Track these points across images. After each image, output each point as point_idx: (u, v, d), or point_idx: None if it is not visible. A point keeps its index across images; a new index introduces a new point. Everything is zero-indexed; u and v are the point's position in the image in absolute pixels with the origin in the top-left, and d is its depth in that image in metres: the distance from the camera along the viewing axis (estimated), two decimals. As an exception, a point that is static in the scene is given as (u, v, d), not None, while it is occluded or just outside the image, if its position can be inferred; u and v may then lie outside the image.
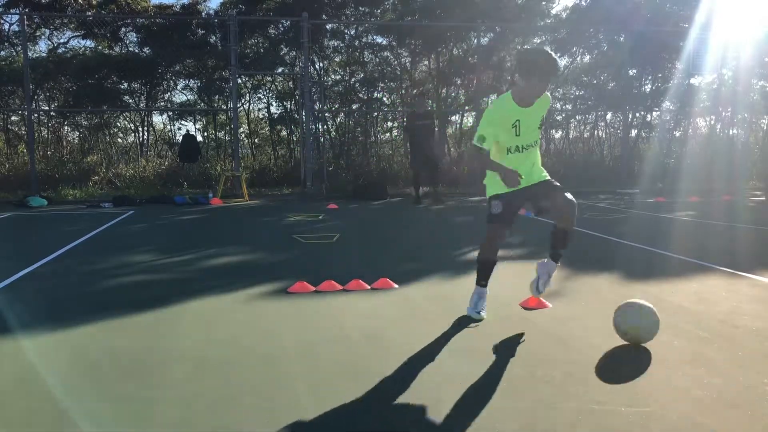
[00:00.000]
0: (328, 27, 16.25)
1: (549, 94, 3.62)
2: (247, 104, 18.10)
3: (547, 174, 3.66)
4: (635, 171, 15.42)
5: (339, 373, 2.79)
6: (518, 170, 3.42)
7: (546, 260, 3.78)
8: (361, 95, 17.42)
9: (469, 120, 18.40)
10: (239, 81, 15.65)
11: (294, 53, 16.50)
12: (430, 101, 11.87)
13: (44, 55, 16.56)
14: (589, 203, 11.27)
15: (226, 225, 8.68)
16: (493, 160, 3.49)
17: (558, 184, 3.60)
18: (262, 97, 18.13)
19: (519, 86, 3.49)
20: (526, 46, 3.39)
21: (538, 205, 3.63)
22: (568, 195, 3.51)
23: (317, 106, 15.01)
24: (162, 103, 17.72)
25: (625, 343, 3.13)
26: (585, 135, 18.96)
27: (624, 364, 2.89)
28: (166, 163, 15.98)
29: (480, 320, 3.59)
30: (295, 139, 17.08)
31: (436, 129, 13.24)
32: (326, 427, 2.27)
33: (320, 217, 9.18)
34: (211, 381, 2.72)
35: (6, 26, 16.13)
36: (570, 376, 2.74)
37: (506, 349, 3.11)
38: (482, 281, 3.73)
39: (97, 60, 15.78)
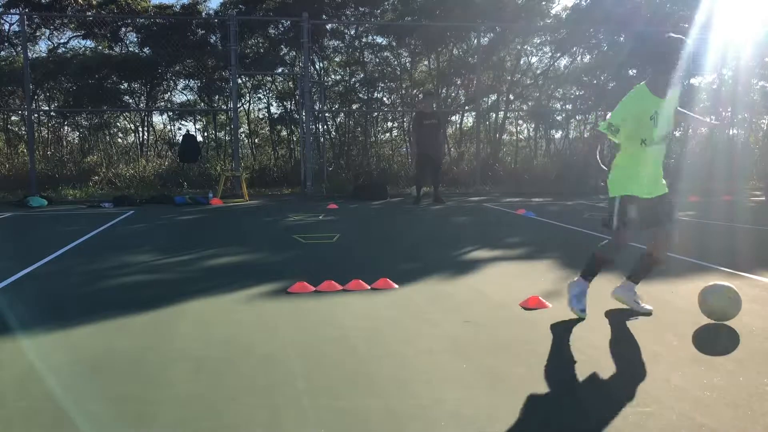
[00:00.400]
0: (328, 27, 16.25)
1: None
2: (247, 104, 18.11)
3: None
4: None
5: (339, 373, 2.79)
6: (651, 167, 3.49)
7: (623, 284, 3.81)
8: (361, 95, 17.43)
9: (469, 120, 18.43)
10: (239, 81, 15.65)
11: (294, 53, 16.51)
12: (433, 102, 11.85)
13: (44, 55, 16.58)
14: (589, 203, 11.28)
15: (226, 225, 8.68)
16: (598, 159, 3.61)
17: (671, 213, 3.64)
18: (262, 97, 18.15)
19: (653, 77, 3.48)
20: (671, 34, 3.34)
21: (644, 227, 3.60)
22: (675, 232, 3.60)
23: (317, 106, 15.01)
24: (162, 103, 17.73)
25: (625, 343, 3.13)
26: (585, 135, 18.96)
27: (624, 364, 2.89)
28: (166, 163, 15.99)
29: (583, 318, 3.54)
30: (295, 139, 17.09)
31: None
32: (326, 428, 2.27)
33: (320, 217, 9.18)
34: (211, 381, 2.71)
35: (6, 26, 16.14)
36: (570, 376, 2.73)
37: (506, 349, 3.11)
38: (589, 276, 3.68)
39: (97, 60, 15.79)
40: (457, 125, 18.37)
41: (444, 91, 17.22)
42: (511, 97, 17.70)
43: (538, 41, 17.35)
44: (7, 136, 16.43)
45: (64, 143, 16.65)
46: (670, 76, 3.41)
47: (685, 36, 3.36)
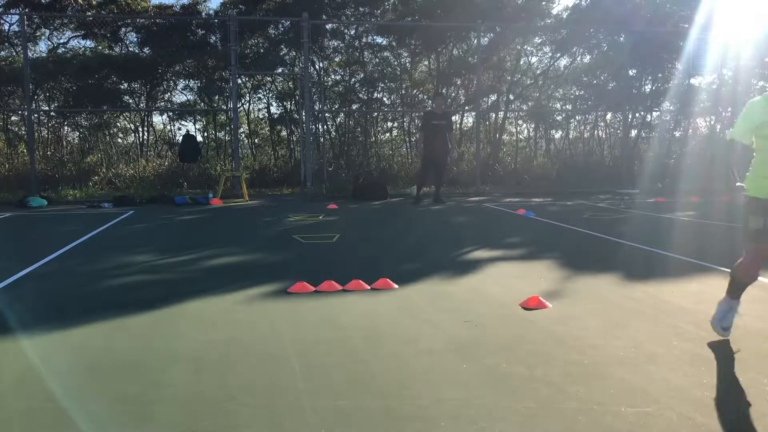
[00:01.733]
0: (328, 27, 16.25)
1: None
2: (247, 104, 18.11)
3: None
4: (635, 171, 15.42)
5: (339, 373, 2.79)
6: None
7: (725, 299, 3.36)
8: (361, 95, 17.43)
9: (469, 120, 18.44)
10: (239, 81, 15.66)
11: (294, 53, 16.50)
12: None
13: (44, 55, 16.57)
14: (589, 203, 11.28)
15: (226, 225, 8.68)
16: (733, 168, 3.27)
17: None
18: (262, 97, 18.15)
19: None
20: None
21: None
22: None
23: (317, 106, 15.01)
24: (162, 103, 17.73)
25: (625, 343, 3.13)
26: (585, 135, 18.97)
27: (624, 364, 2.89)
28: (166, 163, 15.98)
29: (724, 338, 3.22)
30: (295, 139, 17.09)
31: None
32: (326, 428, 2.27)
33: (320, 217, 9.18)
34: (211, 381, 2.71)
35: (6, 26, 16.13)
36: (570, 376, 2.73)
37: (506, 349, 3.11)
38: (734, 293, 3.29)
39: (97, 60, 15.79)
40: (457, 125, 18.37)
41: (444, 91, 17.22)
42: (511, 97, 17.71)
43: (538, 41, 17.36)
44: (7, 136, 16.43)
45: (64, 143, 16.65)
46: None
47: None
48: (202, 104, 17.69)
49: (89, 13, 16.40)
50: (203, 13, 17.27)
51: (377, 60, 17.12)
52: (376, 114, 17.92)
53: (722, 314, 3.26)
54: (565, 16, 17.25)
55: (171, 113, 18.00)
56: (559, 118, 18.36)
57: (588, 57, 17.53)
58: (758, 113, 3.15)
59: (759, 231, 3.08)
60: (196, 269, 5.41)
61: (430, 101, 16.34)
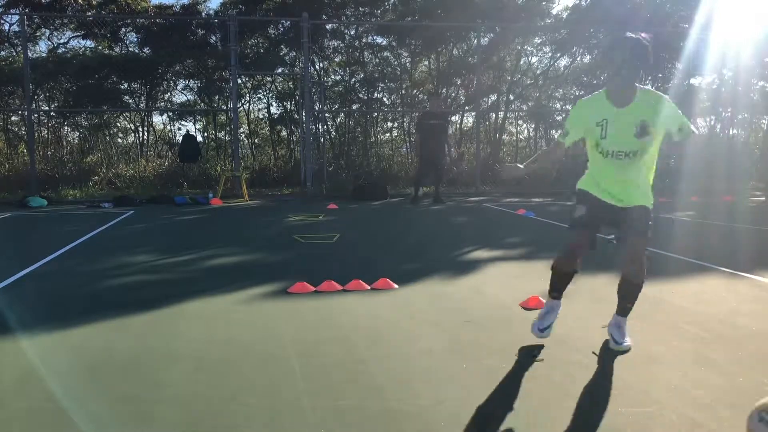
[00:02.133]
0: (328, 27, 16.26)
1: (665, 97, 3.02)
2: (247, 104, 18.12)
3: (650, 202, 3.05)
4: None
5: (339, 373, 2.79)
6: (606, 180, 3.02)
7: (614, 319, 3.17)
8: (361, 95, 17.44)
9: (469, 120, 18.44)
10: (239, 81, 15.66)
11: (294, 53, 16.51)
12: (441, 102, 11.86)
13: (44, 55, 16.58)
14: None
15: (226, 225, 8.68)
16: (537, 154, 3.28)
17: (643, 229, 3.00)
18: (262, 97, 18.17)
19: (613, 81, 3.03)
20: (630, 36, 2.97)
21: (623, 237, 3.11)
22: (639, 250, 3.01)
23: (317, 107, 15.02)
24: (162, 104, 17.73)
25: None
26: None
27: (624, 364, 2.89)
28: (166, 163, 15.99)
29: (539, 345, 3.13)
30: (295, 139, 17.09)
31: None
32: (326, 428, 2.27)
33: (320, 217, 9.18)
34: (211, 381, 2.71)
35: (6, 26, 16.14)
36: (570, 376, 2.73)
37: (506, 349, 3.11)
38: (553, 292, 3.21)
39: (97, 60, 15.80)
40: (457, 125, 18.37)
41: (444, 91, 17.22)
42: (511, 97, 17.71)
43: (538, 41, 17.37)
44: (7, 136, 16.43)
45: (64, 143, 16.66)
46: (612, 79, 3.01)
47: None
48: (202, 104, 17.69)
49: (89, 13, 16.41)
50: (203, 13, 17.29)
51: (377, 60, 17.13)
52: (376, 114, 17.92)
53: (541, 315, 3.20)
54: (565, 16, 17.27)
55: (171, 113, 18.01)
56: (559, 118, 18.36)
57: (588, 57, 17.54)
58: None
59: (577, 219, 3.12)
60: (196, 269, 5.41)
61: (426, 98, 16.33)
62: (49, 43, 17.02)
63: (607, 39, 2.98)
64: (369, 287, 4.43)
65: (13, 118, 17.04)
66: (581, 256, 3.21)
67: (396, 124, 18.68)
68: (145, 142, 17.66)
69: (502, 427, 2.25)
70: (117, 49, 16.88)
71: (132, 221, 9.06)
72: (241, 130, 17.25)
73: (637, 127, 2.93)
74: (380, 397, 2.52)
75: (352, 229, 7.97)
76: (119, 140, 18.46)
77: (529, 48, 17.52)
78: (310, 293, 4.30)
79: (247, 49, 16.14)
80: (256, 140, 18.72)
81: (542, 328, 3.15)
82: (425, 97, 17.28)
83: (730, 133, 17.04)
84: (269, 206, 11.28)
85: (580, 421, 2.30)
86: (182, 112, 17.88)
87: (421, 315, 3.79)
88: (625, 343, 3.07)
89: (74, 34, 16.92)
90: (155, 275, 5.16)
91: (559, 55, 17.44)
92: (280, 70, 16.99)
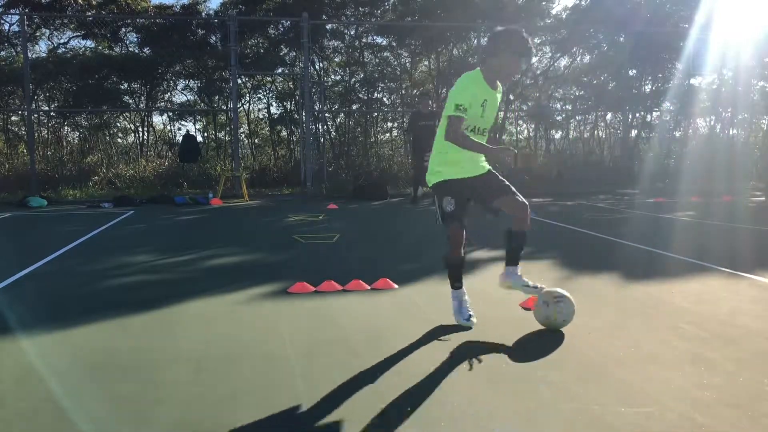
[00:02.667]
0: (328, 27, 16.26)
1: (501, 86, 3.43)
2: (247, 104, 18.13)
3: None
4: (635, 171, 15.43)
5: (339, 373, 2.79)
6: (471, 155, 3.32)
7: (506, 269, 3.59)
8: (361, 95, 17.44)
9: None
10: (239, 81, 15.66)
11: (294, 53, 16.52)
12: (431, 102, 11.83)
13: (44, 55, 16.60)
14: (589, 203, 11.27)
15: (226, 225, 8.68)
16: (476, 141, 3.26)
17: (506, 183, 3.42)
18: (262, 97, 18.18)
19: (489, 66, 3.29)
20: (499, 28, 3.21)
21: (489, 205, 3.45)
22: (519, 197, 3.37)
23: (317, 107, 15.02)
24: (162, 104, 17.74)
25: (625, 343, 3.13)
26: (585, 135, 18.98)
27: (624, 364, 2.89)
28: (166, 163, 16.00)
29: (469, 327, 3.41)
30: (295, 139, 17.10)
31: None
32: (326, 427, 2.27)
33: (320, 217, 9.18)
34: (211, 381, 2.71)
35: (6, 26, 16.15)
36: (570, 376, 2.73)
37: (506, 349, 3.11)
38: (456, 283, 3.59)
39: (97, 60, 15.81)
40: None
41: (444, 91, 17.22)
42: (511, 97, 17.71)
43: (538, 41, 17.36)
44: (7, 136, 16.44)
45: (64, 143, 16.66)
46: (508, 66, 3.25)
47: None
48: (202, 104, 17.70)
49: (89, 13, 16.41)
50: (203, 13, 17.30)
51: (377, 60, 17.13)
52: (376, 114, 17.92)
53: (457, 308, 3.53)
54: (565, 16, 17.27)
55: (171, 113, 18.01)
56: (559, 118, 18.38)
57: (588, 57, 17.55)
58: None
59: (451, 213, 3.54)
60: (196, 269, 5.41)
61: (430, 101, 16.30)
62: (49, 43, 17.05)
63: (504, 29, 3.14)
64: (369, 287, 4.43)
65: (13, 118, 17.05)
66: (464, 242, 3.63)
67: (396, 125, 18.69)
68: (145, 142, 17.66)
69: (503, 428, 2.25)
70: (117, 49, 16.89)
71: (132, 221, 9.06)
72: (241, 130, 17.26)
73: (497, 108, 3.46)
74: (380, 396, 2.52)
75: (352, 229, 7.97)
76: (119, 140, 18.47)
77: (528, 48, 17.52)
78: (310, 293, 4.30)
79: (247, 49, 16.15)
80: (256, 140, 18.73)
81: (467, 318, 3.47)
82: (417, 98, 17.29)
83: (730, 133, 17.04)
84: (269, 206, 11.28)
85: (580, 421, 2.30)
86: (182, 112, 17.88)
87: (420, 315, 3.79)
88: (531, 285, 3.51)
89: (74, 34, 16.94)
90: (155, 275, 5.16)
91: (559, 55, 17.45)
92: (280, 70, 17.00)
